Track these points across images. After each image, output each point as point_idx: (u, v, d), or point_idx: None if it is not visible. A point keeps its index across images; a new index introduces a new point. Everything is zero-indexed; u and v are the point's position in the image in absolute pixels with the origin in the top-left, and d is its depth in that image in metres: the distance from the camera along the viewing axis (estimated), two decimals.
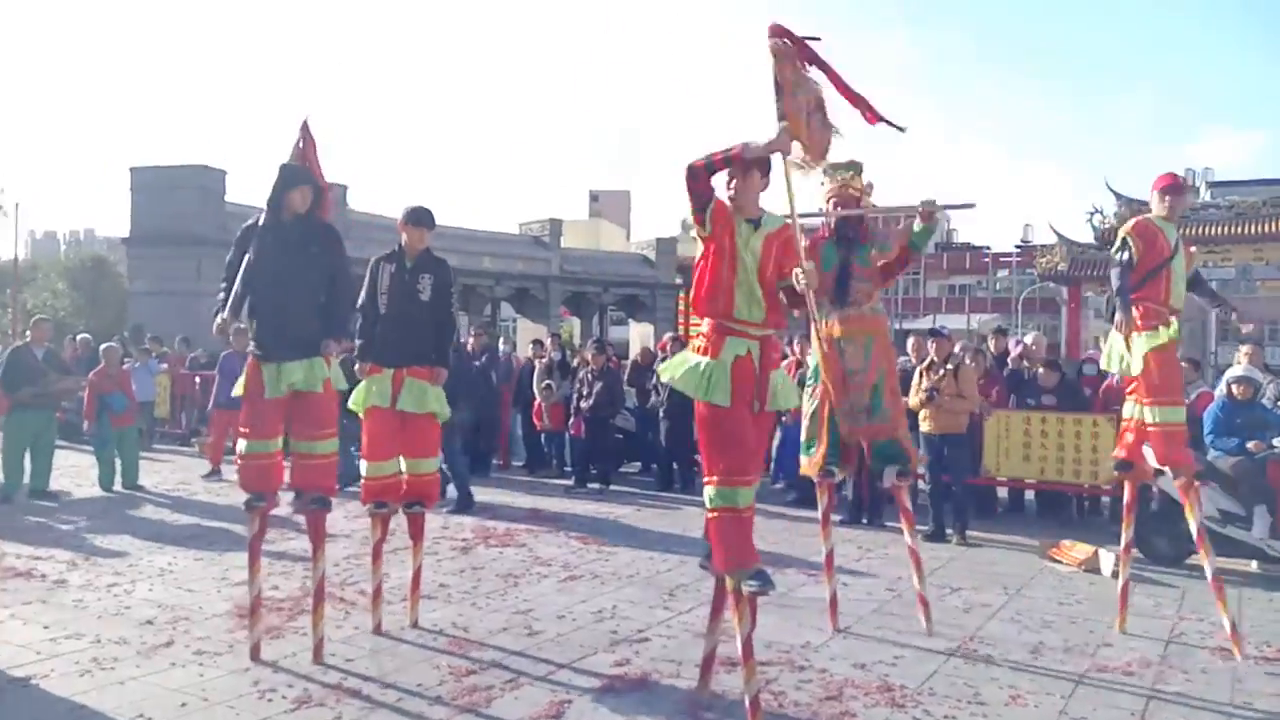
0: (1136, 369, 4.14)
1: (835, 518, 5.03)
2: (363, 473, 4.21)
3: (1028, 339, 8.66)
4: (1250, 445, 5.73)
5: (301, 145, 4.14)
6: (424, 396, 4.15)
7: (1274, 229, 22.12)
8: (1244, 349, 6.81)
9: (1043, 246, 28.55)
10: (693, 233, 3.22)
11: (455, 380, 4.43)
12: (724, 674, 3.54)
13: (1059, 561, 5.92)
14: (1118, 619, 4.40)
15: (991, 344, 8.87)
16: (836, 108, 3.40)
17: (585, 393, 8.91)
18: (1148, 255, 4.14)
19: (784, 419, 7.62)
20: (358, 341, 4.27)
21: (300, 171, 3.98)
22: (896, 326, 27.89)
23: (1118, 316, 4.12)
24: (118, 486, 8.28)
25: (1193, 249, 4.41)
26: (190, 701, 3.33)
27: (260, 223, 3.90)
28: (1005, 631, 4.38)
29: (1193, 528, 4.16)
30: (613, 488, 8.73)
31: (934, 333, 7.25)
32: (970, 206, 4.49)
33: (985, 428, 7.39)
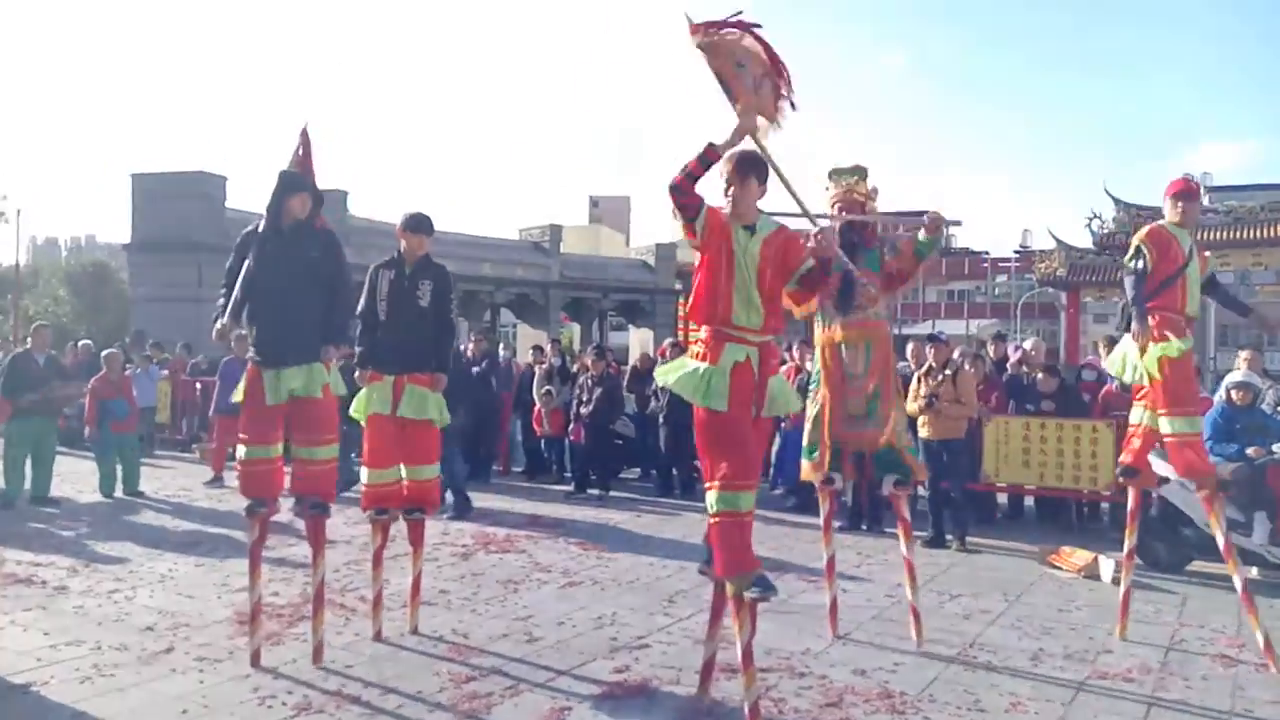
0: (1148, 377, 4.09)
1: (834, 524, 5.03)
2: (363, 480, 4.22)
3: (1027, 345, 8.68)
4: (1250, 451, 5.73)
5: (301, 152, 4.16)
6: (424, 403, 4.16)
7: (1272, 234, 22.12)
8: (1243, 354, 6.81)
9: (1042, 252, 28.55)
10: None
11: (452, 386, 4.43)
12: (724, 680, 3.55)
13: (1059, 568, 5.91)
14: (1119, 626, 4.40)
15: (991, 349, 8.88)
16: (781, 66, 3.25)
17: (585, 399, 8.91)
18: (1162, 263, 4.08)
19: (784, 424, 7.63)
20: (357, 349, 4.29)
21: (299, 178, 4.00)
22: (896, 332, 27.84)
23: (1134, 326, 4.06)
24: (118, 493, 8.28)
25: (1206, 253, 4.37)
26: (191, 708, 3.33)
27: (260, 229, 3.92)
28: (1005, 638, 4.38)
29: (1219, 540, 4.11)
30: (612, 494, 8.73)
31: (932, 338, 7.26)
32: (957, 224, 4.47)
33: (984, 433, 7.40)
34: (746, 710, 3.02)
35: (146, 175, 23.73)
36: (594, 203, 63.70)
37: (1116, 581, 5.49)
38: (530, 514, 7.55)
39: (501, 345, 12.22)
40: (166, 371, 12.20)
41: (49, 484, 7.92)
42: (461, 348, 9.67)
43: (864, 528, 7.09)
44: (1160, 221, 4.28)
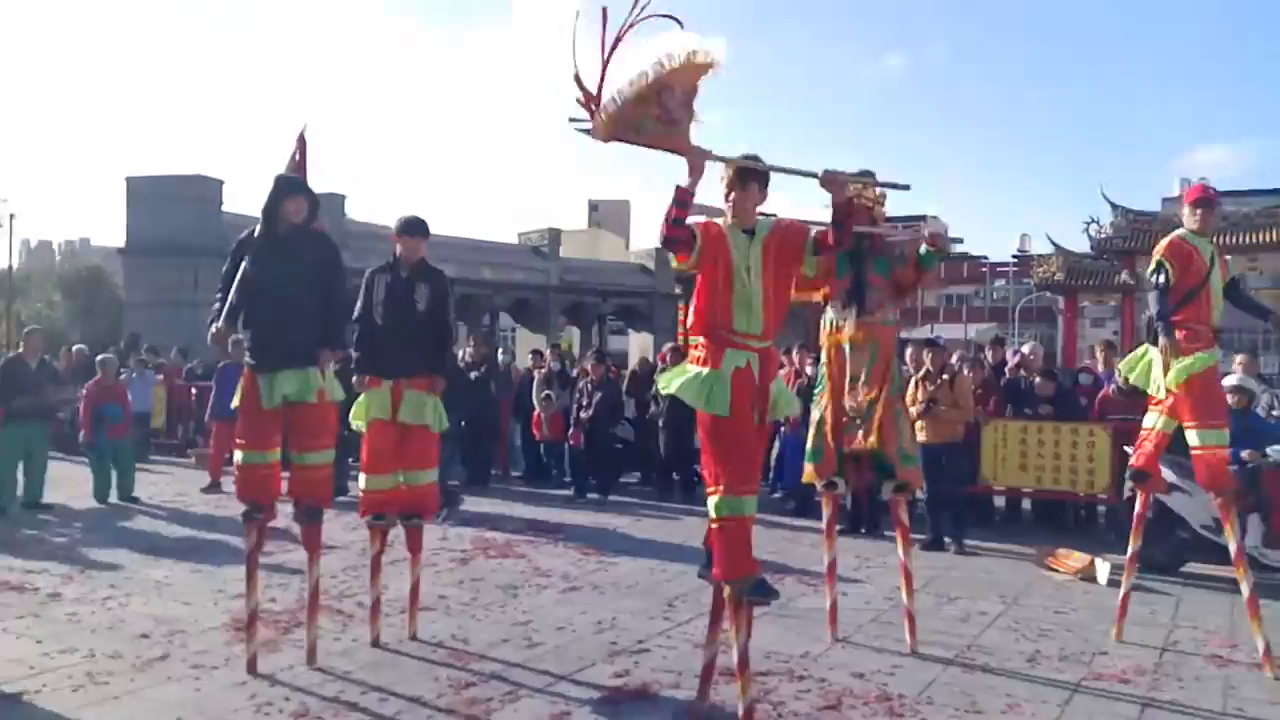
0: (1173, 391, 4.06)
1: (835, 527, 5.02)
2: (361, 485, 4.21)
3: (1025, 349, 8.70)
4: (1244, 454, 5.74)
5: (298, 157, 4.16)
6: (422, 407, 4.16)
7: (1267, 239, 22.24)
8: (1238, 358, 6.84)
9: (1039, 256, 28.68)
10: None
11: (448, 390, 4.42)
12: (723, 684, 3.54)
13: (1055, 570, 5.92)
14: (1115, 628, 4.41)
15: (989, 354, 8.90)
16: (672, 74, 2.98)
17: (585, 403, 8.91)
18: (1184, 276, 4.05)
19: (783, 428, 7.63)
20: (354, 354, 4.28)
21: (295, 182, 4.00)
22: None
23: (1161, 341, 4.03)
24: (113, 498, 8.25)
25: (1227, 258, 4.33)
26: (186, 716, 3.31)
27: (256, 233, 3.91)
28: (1002, 640, 4.39)
29: (1232, 548, 4.12)
30: (612, 498, 8.72)
31: (930, 343, 7.28)
32: (959, 241, 4.42)
33: (982, 437, 7.41)
34: (741, 713, 3.02)
35: (142, 178, 23.71)
36: (593, 206, 63.74)
37: (1113, 584, 5.51)
38: (530, 519, 7.53)
39: (500, 350, 12.22)
40: (161, 376, 12.17)
41: (42, 490, 7.88)
42: (459, 353, 9.67)
43: (862, 531, 7.09)
44: (1179, 231, 4.22)
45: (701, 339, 3.18)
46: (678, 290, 31.14)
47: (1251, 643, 4.10)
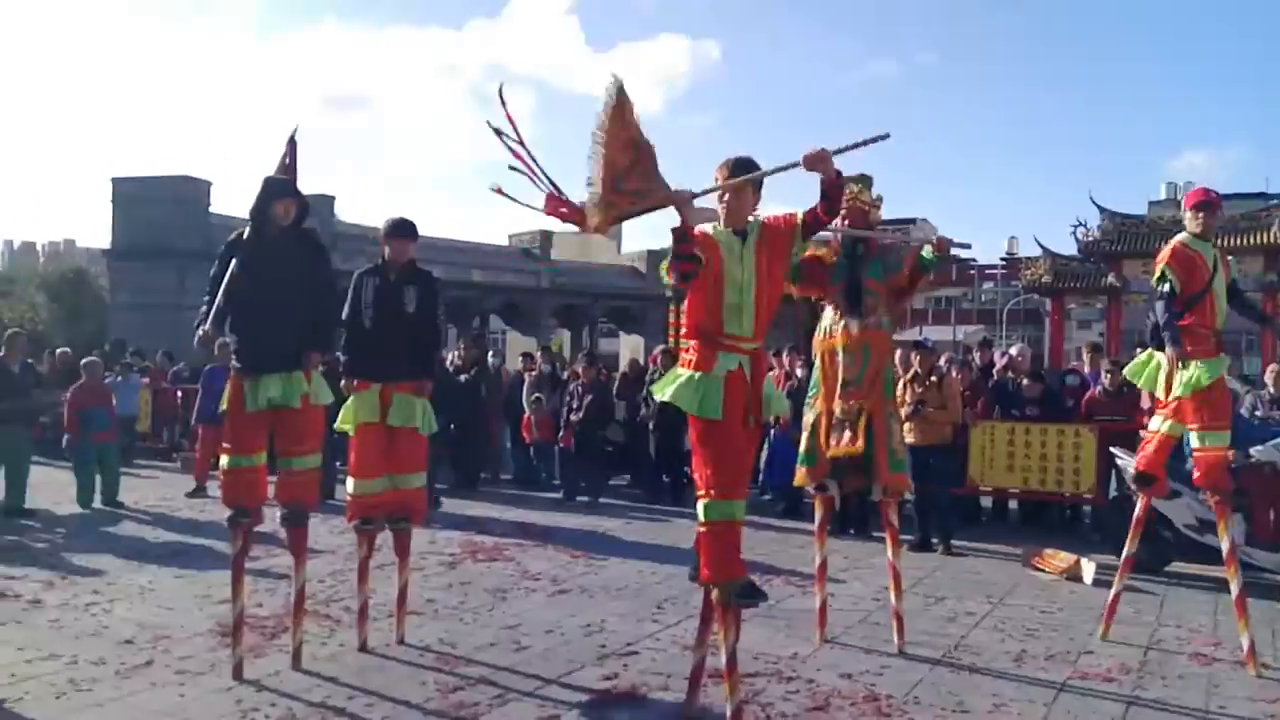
0: (1175, 393, 4.08)
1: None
2: (349, 490, 4.18)
3: (1013, 350, 8.75)
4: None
5: (288, 160, 4.14)
6: (411, 410, 4.14)
7: (1252, 242, 22.47)
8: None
9: (1027, 259, 28.86)
10: None
11: (436, 394, 4.41)
12: (713, 687, 3.54)
13: (1041, 570, 5.97)
14: (1103, 626, 4.44)
15: (977, 355, 8.96)
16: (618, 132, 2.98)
17: (575, 405, 8.91)
18: (1189, 283, 4.06)
19: (773, 430, 7.65)
20: (342, 357, 4.26)
21: (284, 184, 3.98)
22: None
23: (1169, 351, 4.03)
24: (97, 503, 8.17)
25: (1230, 258, 4.39)
26: None
27: (245, 236, 3.89)
28: (989, 640, 4.41)
29: (1224, 548, 4.15)
30: (602, 501, 8.72)
31: (919, 345, 7.32)
32: (966, 247, 4.43)
33: (970, 438, 7.46)
34: (729, 715, 3.02)
35: (128, 179, 23.54)
36: None
37: (1098, 583, 5.55)
38: (519, 522, 7.52)
39: (490, 353, 12.19)
40: (147, 380, 12.07)
41: (24, 495, 7.79)
42: (447, 356, 9.64)
43: (851, 532, 7.11)
44: (1180, 236, 4.22)
45: (693, 342, 3.18)
46: (669, 293, 31.14)
47: (1235, 641, 4.15)
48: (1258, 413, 6.85)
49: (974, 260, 47.75)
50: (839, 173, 3.08)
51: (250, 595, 4.38)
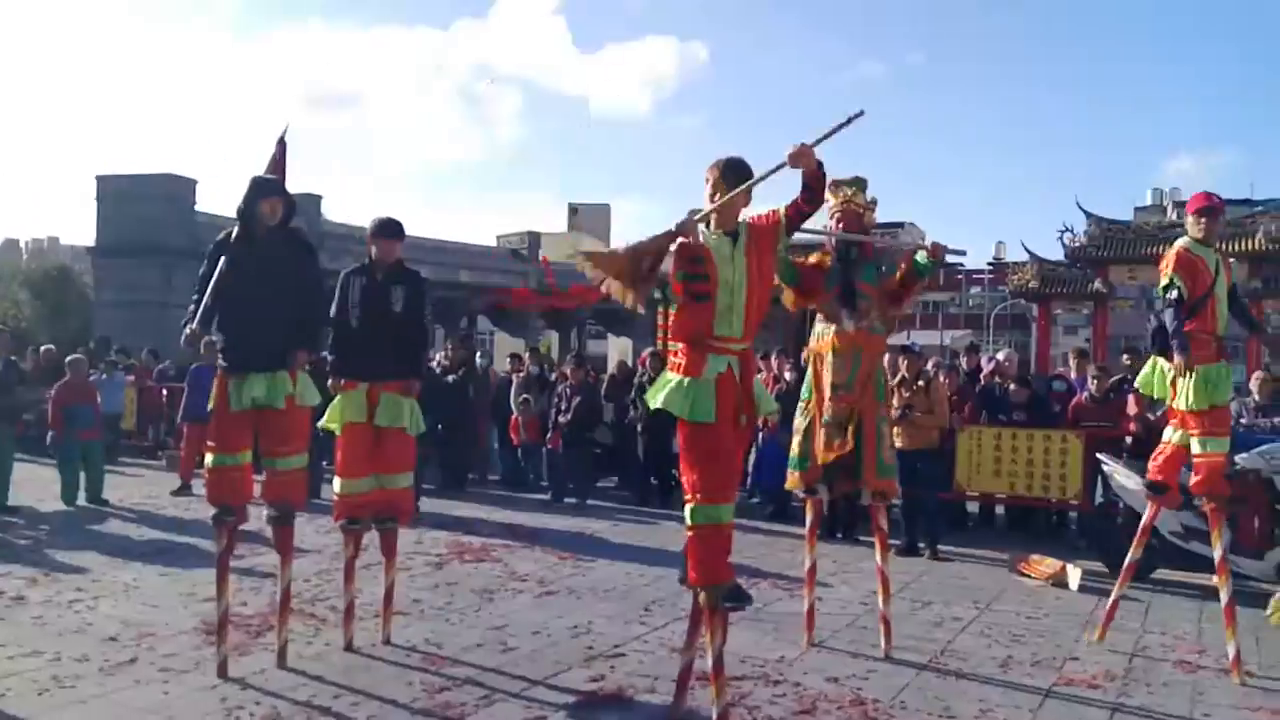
0: (1193, 408, 4.08)
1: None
2: (336, 489, 4.16)
3: (1000, 356, 8.80)
4: None
5: (279, 159, 4.13)
6: (399, 410, 4.12)
7: (1237, 248, 22.71)
8: None
9: (1015, 264, 29.09)
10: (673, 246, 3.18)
11: (423, 394, 4.39)
12: (699, 689, 3.54)
13: (1028, 576, 6.00)
14: (1099, 631, 4.46)
15: (964, 360, 9.01)
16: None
17: (564, 407, 8.90)
18: (1191, 288, 4.07)
19: (761, 433, 7.67)
20: (329, 356, 4.23)
21: (271, 183, 3.97)
22: None
23: (1176, 358, 4.04)
24: (81, 501, 8.09)
25: (1231, 260, 4.34)
26: None
27: (234, 235, 3.87)
28: (975, 645, 4.44)
29: (1216, 555, 4.18)
30: (590, 502, 8.71)
31: (906, 349, 7.35)
32: (961, 253, 4.46)
33: (957, 443, 7.50)
34: (715, 718, 3.02)
35: (113, 177, 23.34)
36: (573, 210, 63.64)
37: (1084, 589, 5.60)
38: (506, 523, 7.50)
39: (478, 353, 12.16)
40: (132, 377, 11.97)
41: (7, 492, 7.70)
42: (433, 356, 9.61)
43: (838, 536, 7.13)
44: (1182, 241, 4.22)
45: (680, 345, 3.18)
46: (657, 295, 31.16)
47: (1219, 648, 4.19)
48: (1243, 420, 6.93)
49: (961, 265, 48.11)
50: (819, 163, 3.11)
51: (235, 594, 4.35)
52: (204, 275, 3.84)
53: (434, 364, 9.36)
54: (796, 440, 4.30)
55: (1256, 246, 22.53)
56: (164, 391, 11.54)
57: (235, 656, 3.84)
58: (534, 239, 31.06)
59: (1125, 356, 8.39)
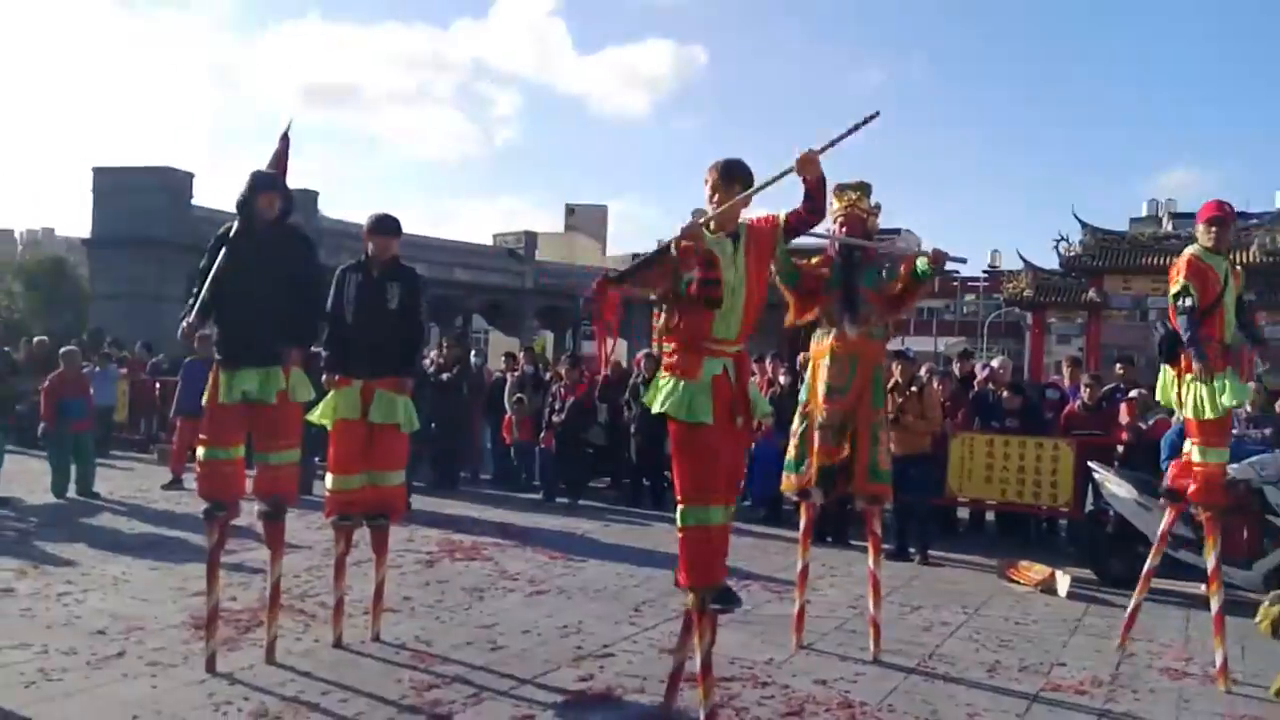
0: (1208, 417, 4.07)
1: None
2: (328, 485, 4.16)
3: (994, 363, 8.85)
4: None
5: (281, 153, 4.13)
6: (393, 407, 4.12)
7: (1233, 260, 22.78)
8: None
9: (1009, 272, 29.16)
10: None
11: (417, 390, 4.39)
12: (688, 690, 3.55)
13: (1017, 582, 6.02)
14: (1121, 637, 4.48)
15: (957, 367, 9.05)
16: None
17: (557, 406, 8.90)
18: (1202, 296, 4.07)
19: (755, 436, 7.67)
20: (324, 353, 4.23)
21: (269, 177, 3.97)
22: None
23: (1196, 365, 4.02)
24: (71, 493, 8.06)
25: (1239, 268, 4.34)
26: (142, 714, 3.25)
27: (233, 229, 3.87)
28: (963, 649, 4.45)
29: (1209, 564, 4.19)
30: (581, 503, 8.71)
31: (900, 355, 7.38)
32: (961, 261, 4.46)
33: (949, 449, 7.52)
34: (703, 719, 3.03)
35: (109, 169, 23.28)
36: (570, 210, 63.66)
37: (1072, 596, 5.62)
38: (498, 522, 7.50)
39: (473, 352, 12.16)
40: (125, 370, 11.93)
41: None
42: (427, 355, 9.60)
43: (829, 540, 7.15)
44: (1192, 249, 4.22)
45: (673, 345, 3.18)
46: (652, 296, 31.18)
47: (1205, 656, 4.21)
48: (1234, 430, 6.97)
49: (957, 272, 48.26)
50: (822, 175, 3.10)
51: (225, 588, 4.34)
52: (203, 269, 3.85)
53: (427, 361, 9.37)
54: (793, 444, 4.31)
55: (1250, 259, 22.58)
56: (157, 385, 11.51)
57: (224, 651, 3.83)
58: (531, 238, 31.09)
59: (1118, 366, 8.44)
